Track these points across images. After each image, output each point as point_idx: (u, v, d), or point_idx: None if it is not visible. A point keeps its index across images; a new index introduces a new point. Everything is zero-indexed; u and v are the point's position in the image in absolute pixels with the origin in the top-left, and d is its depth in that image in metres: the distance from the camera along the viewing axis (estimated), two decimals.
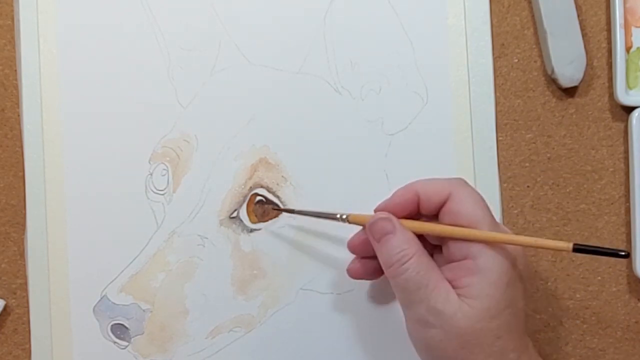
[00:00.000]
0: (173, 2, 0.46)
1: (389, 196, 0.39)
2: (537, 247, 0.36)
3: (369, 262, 0.41)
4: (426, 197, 0.38)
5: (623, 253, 0.34)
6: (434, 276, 0.36)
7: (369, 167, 0.45)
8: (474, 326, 0.35)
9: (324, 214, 0.42)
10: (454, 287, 0.36)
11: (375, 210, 0.40)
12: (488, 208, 0.37)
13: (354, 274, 0.42)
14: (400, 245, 0.37)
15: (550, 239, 0.45)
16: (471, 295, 0.35)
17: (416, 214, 0.39)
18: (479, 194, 0.38)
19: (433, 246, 0.40)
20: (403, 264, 0.36)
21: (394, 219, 0.38)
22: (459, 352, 0.35)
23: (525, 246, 0.37)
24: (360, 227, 0.41)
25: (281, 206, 0.45)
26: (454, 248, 0.37)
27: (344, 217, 0.41)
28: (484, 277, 0.35)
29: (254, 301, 0.45)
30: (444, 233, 0.37)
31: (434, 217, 0.39)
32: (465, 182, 0.38)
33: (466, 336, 0.35)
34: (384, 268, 0.38)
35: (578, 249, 0.34)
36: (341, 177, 0.45)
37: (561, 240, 0.46)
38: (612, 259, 0.46)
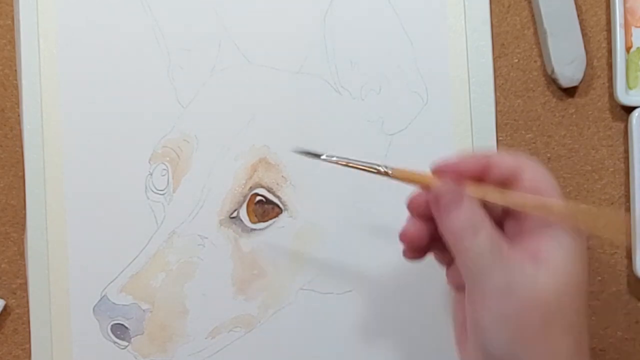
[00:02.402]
0: (173, 2, 0.46)
1: (450, 156, 0.36)
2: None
3: (429, 225, 0.36)
4: (497, 166, 0.35)
5: None
6: (506, 246, 0.33)
7: None
8: (556, 290, 0.32)
9: (363, 164, 0.37)
10: (531, 256, 0.33)
11: (435, 169, 0.36)
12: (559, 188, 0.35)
13: (406, 239, 0.37)
14: (471, 217, 0.34)
15: None
16: (548, 257, 0.32)
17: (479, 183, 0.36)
18: (549, 173, 0.35)
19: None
20: (476, 234, 0.33)
21: (461, 188, 0.34)
22: (537, 325, 0.32)
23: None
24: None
25: (281, 207, 0.45)
26: (529, 219, 0.34)
27: (387, 170, 0.37)
28: (565, 250, 0.33)
29: (254, 301, 0.45)
30: (521, 204, 0.34)
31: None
32: (537, 161, 0.35)
33: (549, 306, 0.32)
34: (450, 241, 0.34)
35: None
36: (341, 177, 0.45)
37: None
38: (612, 259, 0.46)
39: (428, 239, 0.36)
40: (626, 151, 0.46)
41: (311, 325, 0.45)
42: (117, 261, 0.45)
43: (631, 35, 0.46)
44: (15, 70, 0.46)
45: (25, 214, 0.45)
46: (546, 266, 0.32)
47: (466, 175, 0.35)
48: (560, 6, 0.45)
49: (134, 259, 0.45)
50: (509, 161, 0.35)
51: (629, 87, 0.45)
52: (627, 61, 0.45)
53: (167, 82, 0.46)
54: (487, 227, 0.33)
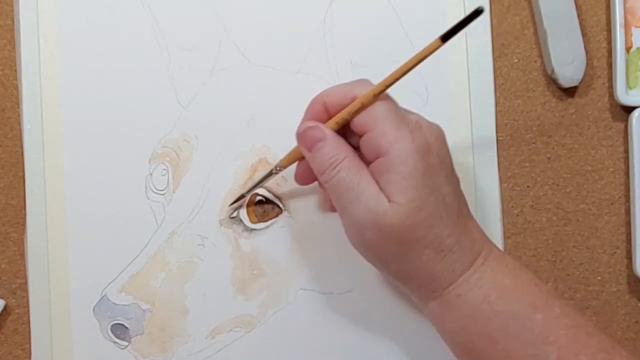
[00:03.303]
0: (173, 2, 0.46)
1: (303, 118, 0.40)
2: (414, 65, 0.36)
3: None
4: (332, 104, 0.38)
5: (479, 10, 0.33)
6: (365, 177, 0.36)
7: None
8: (405, 222, 0.35)
9: (262, 180, 0.43)
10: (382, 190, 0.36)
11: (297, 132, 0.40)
12: (392, 100, 0.37)
13: (302, 181, 0.42)
14: (333, 150, 0.37)
15: (550, 237, 0.45)
16: (391, 191, 0.35)
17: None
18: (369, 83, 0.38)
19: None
20: (335, 166, 0.36)
21: (322, 126, 0.38)
22: (396, 249, 0.36)
23: (403, 73, 0.36)
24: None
25: (281, 207, 0.45)
26: (366, 148, 0.37)
27: (278, 168, 0.42)
28: (398, 171, 0.35)
29: (254, 301, 0.45)
30: (342, 116, 0.37)
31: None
32: (369, 82, 0.38)
33: (400, 233, 0.35)
34: (317, 175, 0.38)
35: (444, 36, 0.34)
36: None
37: (561, 240, 0.46)
38: (612, 259, 0.46)
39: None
40: (626, 151, 0.46)
41: (311, 325, 0.45)
42: (117, 261, 0.45)
43: (631, 35, 0.46)
44: (15, 70, 0.46)
45: (25, 214, 0.45)
46: (396, 207, 0.35)
47: (315, 119, 0.38)
48: (560, 6, 0.45)
49: (134, 259, 0.45)
50: (341, 93, 0.38)
51: (629, 87, 0.45)
52: (627, 61, 0.45)
53: (167, 82, 0.46)
54: (345, 161, 0.37)
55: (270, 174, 0.42)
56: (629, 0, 0.46)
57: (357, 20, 0.46)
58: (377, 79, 0.46)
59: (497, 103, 0.46)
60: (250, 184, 0.44)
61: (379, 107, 0.36)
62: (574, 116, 0.46)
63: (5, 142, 0.46)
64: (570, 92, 0.46)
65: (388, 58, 0.46)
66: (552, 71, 0.45)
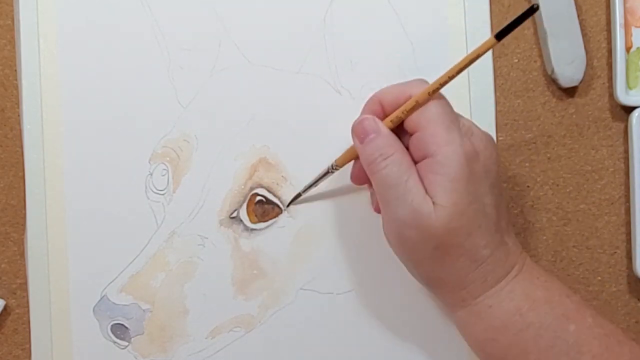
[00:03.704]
0: (173, 2, 0.46)
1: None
2: (469, 64, 0.36)
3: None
4: (388, 102, 0.38)
5: (535, 6, 0.34)
6: (413, 175, 0.36)
7: None
8: (447, 225, 0.35)
9: (319, 178, 0.43)
10: (428, 192, 0.36)
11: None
12: (447, 102, 0.37)
13: (357, 181, 0.42)
14: (385, 144, 0.37)
15: (550, 237, 0.45)
16: (435, 192, 0.35)
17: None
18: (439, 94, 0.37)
19: None
20: (385, 158, 0.36)
21: (379, 120, 0.38)
22: (433, 252, 0.36)
23: (457, 71, 0.36)
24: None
25: (281, 206, 0.45)
26: (414, 147, 0.37)
27: (335, 166, 0.42)
28: (443, 174, 0.35)
29: (254, 301, 0.45)
30: (397, 114, 0.37)
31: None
32: (425, 81, 0.38)
33: (440, 235, 0.35)
34: (365, 166, 0.38)
35: (499, 34, 0.35)
36: (341, 177, 0.45)
37: (561, 240, 0.46)
38: (612, 259, 0.46)
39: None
40: (626, 151, 0.46)
41: (311, 325, 0.45)
42: (117, 261, 0.45)
43: (631, 35, 0.46)
44: (15, 70, 0.46)
45: (25, 214, 0.45)
46: (439, 209, 0.35)
47: (389, 107, 0.38)
48: (560, 6, 0.45)
49: (134, 259, 0.45)
50: (397, 92, 0.38)
51: (629, 87, 0.45)
52: (627, 61, 0.45)
53: (167, 82, 0.46)
54: (395, 156, 0.37)
55: (326, 173, 0.43)
56: (629, 0, 0.46)
57: (357, 20, 0.46)
58: (377, 79, 0.46)
59: (497, 103, 0.46)
60: (250, 184, 0.45)
61: (432, 107, 0.36)
62: (574, 116, 0.46)
63: (5, 142, 0.46)
64: (570, 92, 0.46)
65: (388, 58, 0.46)
66: (552, 71, 0.45)
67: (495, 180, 0.38)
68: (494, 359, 0.37)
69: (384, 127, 0.38)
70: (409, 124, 0.37)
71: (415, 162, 0.37)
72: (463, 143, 0.36)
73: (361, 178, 0.41)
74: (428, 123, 0.36)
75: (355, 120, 0.39)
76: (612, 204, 0.46)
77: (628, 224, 0.46)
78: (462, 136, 0.36)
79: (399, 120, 0.38)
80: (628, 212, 0.46)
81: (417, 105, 0.37)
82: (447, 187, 0.35)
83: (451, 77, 0.36)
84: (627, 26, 0.46)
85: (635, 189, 0.45)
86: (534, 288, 0.37)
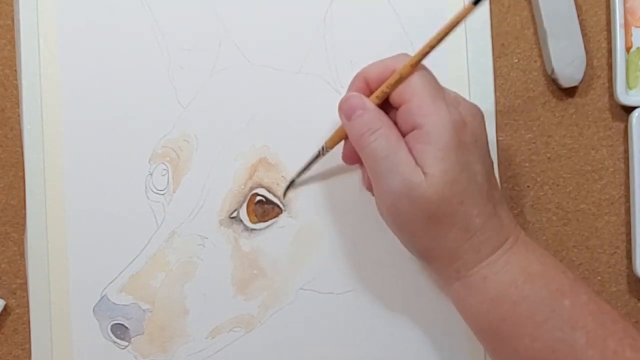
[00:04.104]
0: (173, 2, 0.46)
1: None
2: (447, 33, 0.36)
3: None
4: (373, 79, 0.38)
5: None
6: (402, 147, 0.36)
7: None
8: (439, 194, 0.35)
9: (309, 163, 0.43)
10: (417, 163, 0.36)
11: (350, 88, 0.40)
12: (430, 74, 0.38)
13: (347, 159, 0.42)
14: (372, 119, 0.37)
15: (550, 237, 0.45)
16: (425, 162, 0.35)
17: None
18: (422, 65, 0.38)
19: None
20: (373, 132, 0.37)
21: (364, 97, 0.38)
22: (426, 223, 0.36)
23: (437, 41, 0.36)
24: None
25: (281, 206, 0.45)
26: (402, 120, 0.37)
27: (325, 148, 0.42)
28: (432, 143, 0.35)
29: (254, 301, 0.45)
30: (382, 89, 0.38)
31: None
32: (408, 55, 0.38)
33: (432, 205, 0.36)
34: (354, 142, 0.38)
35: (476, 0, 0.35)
36: (341, 177, 0.45)
37: (561, 240, 0.46)
38: (612, 259, 0.46)
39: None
40: (626, 151, 0.46)
41: (311, 325, 0.45)
42: (117, 261, 0.45)
43: (631, 35, 0.46)
44: (15, 70, 0.46)
45: (25, 214, 0.45)
46: (430, 179, 0.35)
47: (375, 83, 0.39)
48: (560, 6, 0.45)
49: (134, 259, 0.45)
50: (380, 68, 0.38)
51: (629, 87, 0.45)
52: (627, 61, 0.45)
53: (167, 82, 0.46)
54: (383, 129, 0.37)
55: (317, 156, 0.43)
56: (629, 0, 0.46)
57: (357, 20, 0.46)
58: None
59: (497, 103, 0.46)
60: (250, 184, 0.45)
61: (416, 79, 0.37)
62: (574, 116, 0.46)
63: (5, 142, 0.46)
64: (570, 92, 0.46)
65: None
66: (552, 71, 0.45)
67: (484, 150, 0.38)
68: (489, 333, 0.37)
69: (370, 103, 0.38)
70: (394, 98, 0.37)
71: (404, 135, 0.37)
72: (450, 112, 0.36)
73: (352, 157, 0.41)
74: (413, 95, 0.36)
75: (342, 99, 0.39)
76: (612, 204, 0.46)
77: (628, 224, 0.46)
78: (448, 106, 0.36)
79: (385, 95, 0.38)
80: (628, 212, 0.46)
81: (401, 79, 0.37)
82: (437, 156, 0.35)
83: (432, 47, 0.36)
84: (627, 26, 0.46)
85: (635, 189, 0.45)
86: (529, 262, 0.37)
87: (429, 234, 0.37)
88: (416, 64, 0.37)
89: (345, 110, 0.38)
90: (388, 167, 0.36)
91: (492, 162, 0.39)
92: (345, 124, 0.39)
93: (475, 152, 0.37)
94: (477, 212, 0.36)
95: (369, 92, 0.39)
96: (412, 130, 0.36)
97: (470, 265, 0.37)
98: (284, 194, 0.45)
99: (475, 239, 0.37)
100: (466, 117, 0.37)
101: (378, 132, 0.37)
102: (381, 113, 0.38)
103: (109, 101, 0.46)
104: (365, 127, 0.37)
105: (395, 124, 0.38)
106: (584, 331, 0.35)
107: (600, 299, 0.37)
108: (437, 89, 0.37)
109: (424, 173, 0.35)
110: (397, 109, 0.38)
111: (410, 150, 0.36)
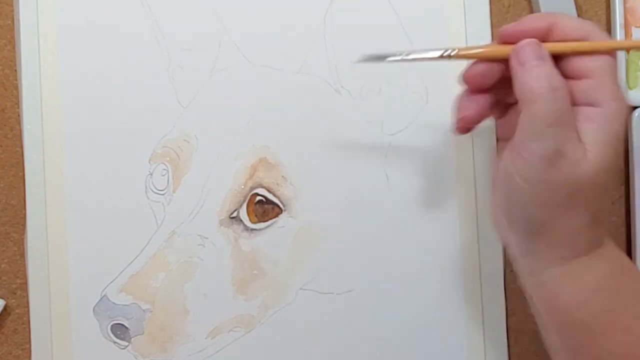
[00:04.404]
0: (173, 2, 0.46)
1: (516, 23, 0.36)
2: None
3: (480, 97, 0.38)
4: (563, 32, 0.36)
5: None
6: (574, 117, 0.35)
7: (369, 167, 0.45)
8: (594, 178, 0.34)
9: (429, 57, 0.38)
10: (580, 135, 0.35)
11: (500, 34, 0.36)
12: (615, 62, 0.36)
13: (462, 120, 0.38)
14: (553, 74, 0.34)
15: None
16: (591, 141, 0.34)
17: None
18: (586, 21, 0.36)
19: None
20: (555, 90, 0.34)
21: (542, 46, 0.35)
22: (564, 199, 0.34)
23: None
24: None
25: (281, 207, 0.45)
26: (580, 91, 0.35)
27: (453, 52, 0.37)
28: (605, 126, 0.34)
29: (254, 301, 0.45)
30: (567, 48, 0.35)
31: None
32: (601, 32, 0.36)
33: (581, 185, 0.34)
34: (523, 93, 0.35)
35: None
36: (341, 177, 0.45)
37: None
38: None
39: (483, 112, 0.38)
40: (626, 151, 0.46)
41: (311, 325, 0.45)
42: (117, 261, 0.45)
43: (631, 35, 0.46)
44: (15, 70, 0.46)
45: (25, 214, 0.45)
46: (589, 159, 0.34)
47: (531, 35, 0.36)
48: (560, 6, 0.45)
49: (134, 259, 0.45)
50: (575, 25, 0.36)
51: (629, 87, 0.45)
52: (627, 61, 0.45)
53: (167, 82, 0.46)
54: (564, 90, 0.34)
55: (441, 57, 0.37)
56: (629, 0, 0.46)
57: (357, 20, 0.46)
58: (377, 79, 0.46)
59: None
60: (250, 184, 0.45)
61: (608, 59, 0.35)
62: None
63: (5, 142, 0.46)
64: None
65: None
66: None
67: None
68: (580, 326, 0.36)
69: (550, 59, 0.35)
70: (575, 65, 0.35)
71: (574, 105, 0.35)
72: (625, 104, 0.35)
73: (475, 82, 0.37)
74: (603, 73, 0.35)
75: (520, 43, 0.35)
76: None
77: (628, 224, 0.46)
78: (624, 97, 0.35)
79: (562, 55, 0.35)
80: (628, 212, 0.46)
81: (595, 52, 0.35)
82: (605, 141, 0.34)
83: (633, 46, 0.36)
84: (627, 26, 0.46)
85: (635, 189, 0.45)
86: (622, 255, 0.37)
87: (559, 210, 0.35)
88: (616, 51, 0.35)
89: (523, 54, 0.35)
90: (556, 131, 0.34)
91: None
92: (517, 69, 0.35)
93: (620, 148, 0.36)
94: (607, 206, 0.37)
95: (543, 37, 0.36)
96: (587, 105, 0.35)
97: (580, 253, 0.36)
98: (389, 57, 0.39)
99: (596, 230, 0.36)
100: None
101: (560, 92, 0.34)
102: (557, 72, 0.35)
103: (109, 101, 0.46)
104: (546, 80, 0.34)
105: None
106: None
107: None
108: (617, 75, 0.36)
109: (586, 150, 0.34)
110: (570, 77, 0.35)
111: (577, 123, 0.35)
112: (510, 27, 0.36)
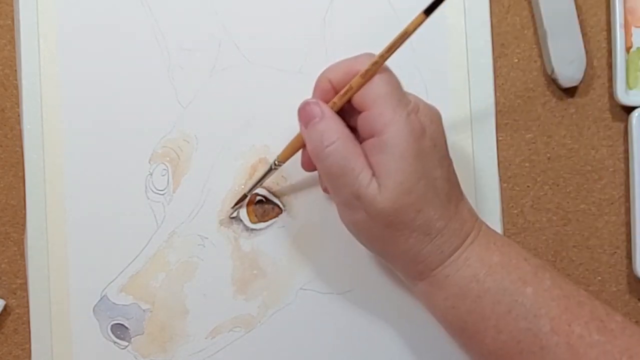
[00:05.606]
0: (173, 2, 0.46)
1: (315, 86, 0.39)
2: (403, 40, 0.36)
3: None
4: (336, 81, 0.38)
5: None
6: (359, 162, 0.36)
7: None
8: (393, 205, 0.35)
9: (263, 177, 0.43)
10: (374, 172, 0.36)
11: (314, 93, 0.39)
12: (394, 80, 0.37)
13: (308, 167, 0.42)
14: (327, 128, 0.37)
15: (550, 237, 0.45)
16: (381, 172, 0.35)
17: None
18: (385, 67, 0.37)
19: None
20: (328, 146, 0.36)
21: (323, 104, 0.38)
22: (385, 231, 0.36)
23: (393, 48, 0.36)
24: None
25: (281, 206, 0.45)
26: (362, 126, 0.37)
27: (277, 163, 0.41)
28: (389, 153, 0.35)
29: (254, 301, 0.45)
30: (340, 97, 0.37)
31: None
32: (371, 55, 0.38)
33: (388, 216, 0.36)
34: (310, 154, 0.37)
35: (428, 9, 0.35)
36: None
37: (561, 240, 0.46)
38: (612, 259, 0.46)
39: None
40: (626, 151, 0.46)
41: (311, 325, 0.45)
42: (117, 261, 0.45)
43: (631, 35, 0.46)
44: (15, 70, 0.46)
45: (25, 214, 0.45)
46: (385, 191, 0.35)
47: (322, 97, 0.38)
48: (560, 6, 0.45)
49: (134, 259, 0.45)
50: (344, 69, 0.38)
51: (629, 87, 0.45)
52: (627, 61, 0.45)
53: (167, 82, 0.46)
54: (337, 143, 0.36)
55: (269, 170, 0.42)
56: (629, 0, 0.46)
57: (357, 21, 0.46)
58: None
59: (497, 103, 0.46)
60: (250, 184, 0.44)
61: (379, 86, 0.36)
62: (574, 116, 0.46)
63: (5, 142, 0.46)
64: (570, 92, 0.46)
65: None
66: (552, 71, 0.45)
67: (444, 152, 0.38)
68: (456, 328, 0.38)
69: (329, 112, 0.37)
70: (356, 102, 0.37)
71: (363, 140, 0.37)
72: (410, 121, 0.36)
73: (311, 164, 0.41)
74: (375, 102, 0.36)
75: (301, 104, 0.38)
76: (612, 204, 0.46)
77: (628, 224, 0.46)
78: (408, 114, 0.36)
79: (343, 103, 0.37)
80: (628, 212, 0.46)
81: (355, 88, 0.36)
82: (392, 167, 0.35)
83: (384, 59, 0.36)
84: (627, 26, 0.46)
85: (635, 189, 0.45)
86: (490, 253, 0.37)
87: (389, 241, 0.37)
88: (368, 76, 0.36)
89: (302, 116, 0.38)
90: (343, 181, 0.36)
91: (451, 162, 0.38)
92: (303, 131, 0.38)
93: (434, 157, 0.37)
94: (437, 216, 0.36)
95: (334, 94, 0.38)
96: (371, 136, 0.36)
97: (434, 266, 0.37)
98: (233, 207, 0.45)
99: (437, 240, 0.37)
100: (425, 123, 0.37)
101: (333, 146, 0.36)
102: (338, 121, 0.37)
103: (109, 101, 0.46)
104: (319, 138, 0.37)
105: (357, 127, 0.37)
106: (548, 318, 0.35)
107: (566, 282, 0.37)
108: (399, 96, 0.36)
109: (380, 184, 0.35)
110: (359, 112, 0.37)
111: (367, 157, 0.36)
112: (300, 107, 0.38)
